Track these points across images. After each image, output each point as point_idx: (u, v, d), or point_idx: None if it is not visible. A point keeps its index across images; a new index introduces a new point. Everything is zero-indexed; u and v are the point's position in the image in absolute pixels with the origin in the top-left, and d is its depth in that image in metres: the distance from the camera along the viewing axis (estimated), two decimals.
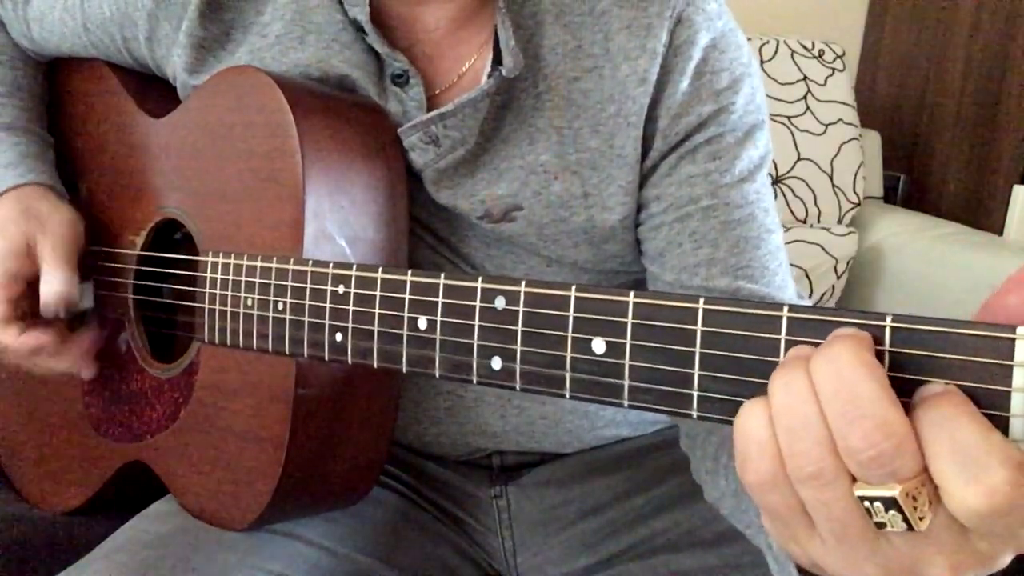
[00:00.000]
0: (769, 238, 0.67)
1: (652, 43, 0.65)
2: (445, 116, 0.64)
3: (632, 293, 0.39)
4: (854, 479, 0.32)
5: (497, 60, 0.66)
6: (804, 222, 1.69)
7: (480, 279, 0.43)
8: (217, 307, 0.62)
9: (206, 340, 0.64)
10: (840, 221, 1.71)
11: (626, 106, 0.66)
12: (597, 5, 0.67)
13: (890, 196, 1.89)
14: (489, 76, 0.65)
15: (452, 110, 0.64)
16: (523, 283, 0.42)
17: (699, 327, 0.37)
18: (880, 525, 0.32)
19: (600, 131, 0.67)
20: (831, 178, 1.68)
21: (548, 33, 0.67)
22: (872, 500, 0.32)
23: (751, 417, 0.35)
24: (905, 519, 0.31)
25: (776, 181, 1.66)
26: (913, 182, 1.92)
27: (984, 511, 0.30)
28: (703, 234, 0.66)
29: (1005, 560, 0.33)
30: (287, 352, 0.56)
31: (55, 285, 0.70)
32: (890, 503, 0.31)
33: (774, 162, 1.64)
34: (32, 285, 0.71)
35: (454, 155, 0.66)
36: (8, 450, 0.87)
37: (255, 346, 0.59)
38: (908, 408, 0.32)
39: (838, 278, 1.67)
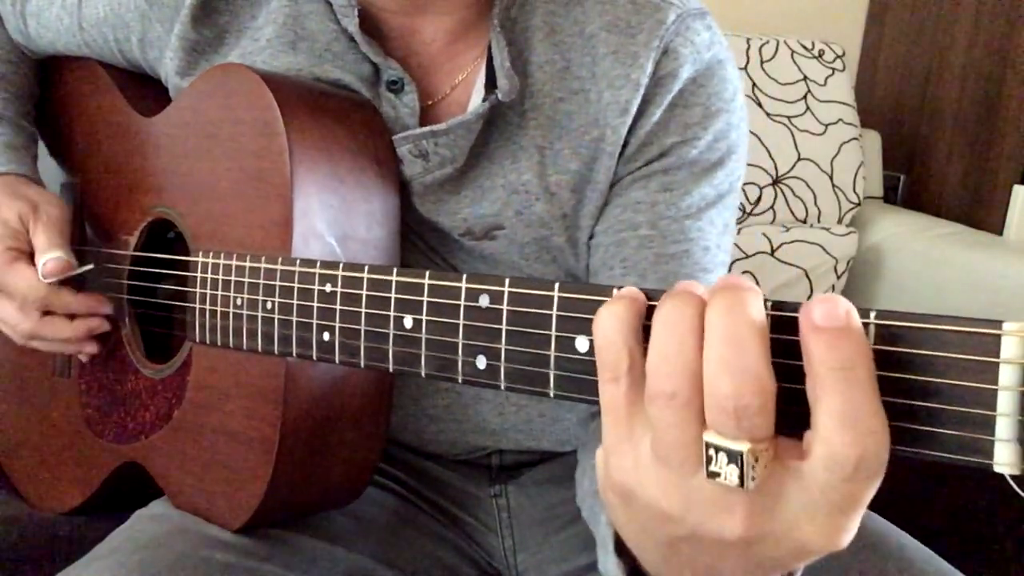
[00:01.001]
0: (703, 278, 0.66)
1: (636, 73, 0.64)
2: (437, 134, 0.64)
3: (615, 290, 0.39)
4: (704, 425, 0.33)
5: (490, 76, 0.65)
6: (804, 222, 1.68)
7: (464, 277, 0.43)
8: (208, 307, 0.62)
9: (197, 340, 0.64)
10: (840, 221, 1.70)
11: (606, 133, 0.65)
12: (587, 27, 0.66)
13: (890, 196, 1.89)
14: (484, 99, 0.64)
15: (445, 129, 0.64)
16: (507, 281, 0.42)
17: None
18: (713, 474, 0.33)
19: (581, 154, 0.66)
20: (831, 178, 1.68)
21: (538, 50, 0.66)
22: (718, 449, 0.32)
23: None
24: (740, 475, 0.32)
25: (776, 181, 1.66)
26: (913, 182, 1.91)
27: (851, 463, 0.31)
28: (634, 263, 0.66)
29: (806, 549, 0.34)
30: (276, 352, 0.56)
31: (51, 265, 0.70)
32: (735, 456, 0.32)
33: (774, 162, 1.64)
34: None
35: (442, 171, 0.66)
36: (7, 451, 0.87)
37: (245, 346, 0.59)
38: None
39: (838, 278, 1.66)
